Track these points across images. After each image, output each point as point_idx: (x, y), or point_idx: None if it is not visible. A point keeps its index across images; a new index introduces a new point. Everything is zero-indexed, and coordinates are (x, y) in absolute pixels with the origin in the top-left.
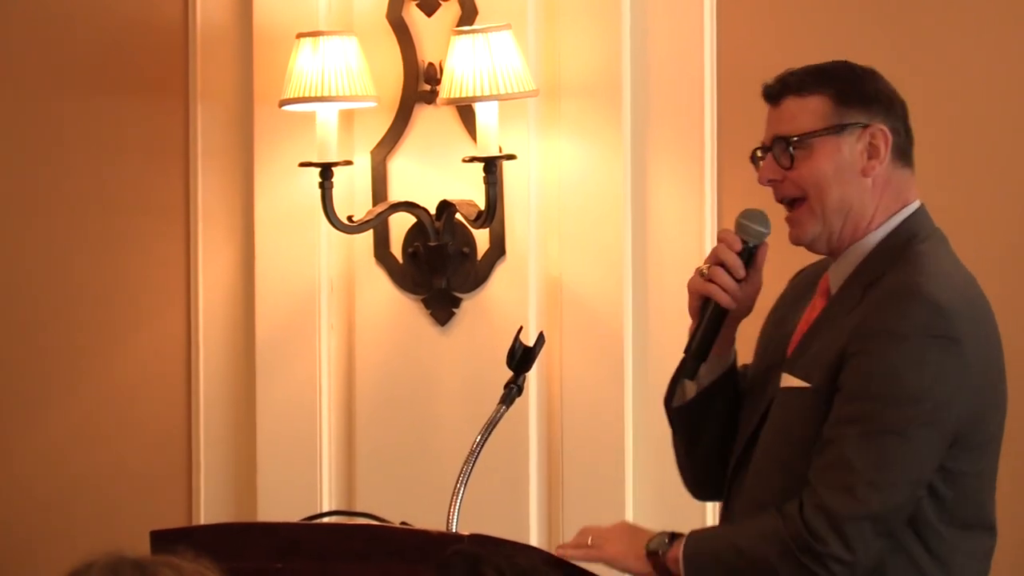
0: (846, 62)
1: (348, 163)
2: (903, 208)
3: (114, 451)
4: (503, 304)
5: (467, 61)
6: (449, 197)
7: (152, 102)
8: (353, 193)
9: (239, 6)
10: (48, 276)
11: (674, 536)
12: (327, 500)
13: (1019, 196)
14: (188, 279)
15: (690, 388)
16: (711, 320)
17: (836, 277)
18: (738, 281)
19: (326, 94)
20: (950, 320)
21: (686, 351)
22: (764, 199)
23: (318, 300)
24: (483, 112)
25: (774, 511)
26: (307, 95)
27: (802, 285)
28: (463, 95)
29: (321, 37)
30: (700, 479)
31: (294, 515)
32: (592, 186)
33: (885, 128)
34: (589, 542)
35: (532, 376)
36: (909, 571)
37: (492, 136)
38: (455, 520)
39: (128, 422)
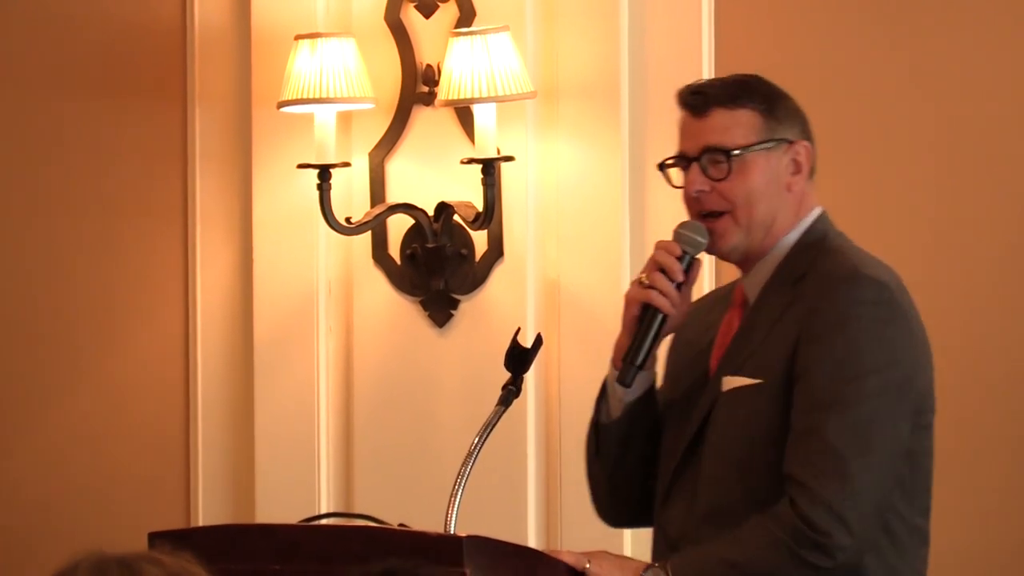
0: (757, 76)
1: (346, 165)
2: (809, 213)
3: (112, 453)
4: (501, 305)
5: (465, 63)
6: (447, 199)
7: (150, 104)
8: (351, 195)
9: (237, 8)
10: (47, 278)
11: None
12: (325, 502)
13: (1018, 196)
14: (186, 281)
15: (615, 406)
16: (651, 328)
17: (752, 286)
18: (677, 287)
19: (324, 96)
20: (894, 296)
21: (625, 360)
22: None
23: (316, 302)
24: (481, 114)
25: (759, 517)
26: (305, 97)
27: (704, 308)
28: (461, 97)
29: (319, 39)
30: (619, 503)
31: (292, 517)
32: (590, 188)
33: (808, 144)
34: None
35: (530, 377)
36: (876, 557)
37: (490, 138)
38: (453, 521)
39: (126, 424)
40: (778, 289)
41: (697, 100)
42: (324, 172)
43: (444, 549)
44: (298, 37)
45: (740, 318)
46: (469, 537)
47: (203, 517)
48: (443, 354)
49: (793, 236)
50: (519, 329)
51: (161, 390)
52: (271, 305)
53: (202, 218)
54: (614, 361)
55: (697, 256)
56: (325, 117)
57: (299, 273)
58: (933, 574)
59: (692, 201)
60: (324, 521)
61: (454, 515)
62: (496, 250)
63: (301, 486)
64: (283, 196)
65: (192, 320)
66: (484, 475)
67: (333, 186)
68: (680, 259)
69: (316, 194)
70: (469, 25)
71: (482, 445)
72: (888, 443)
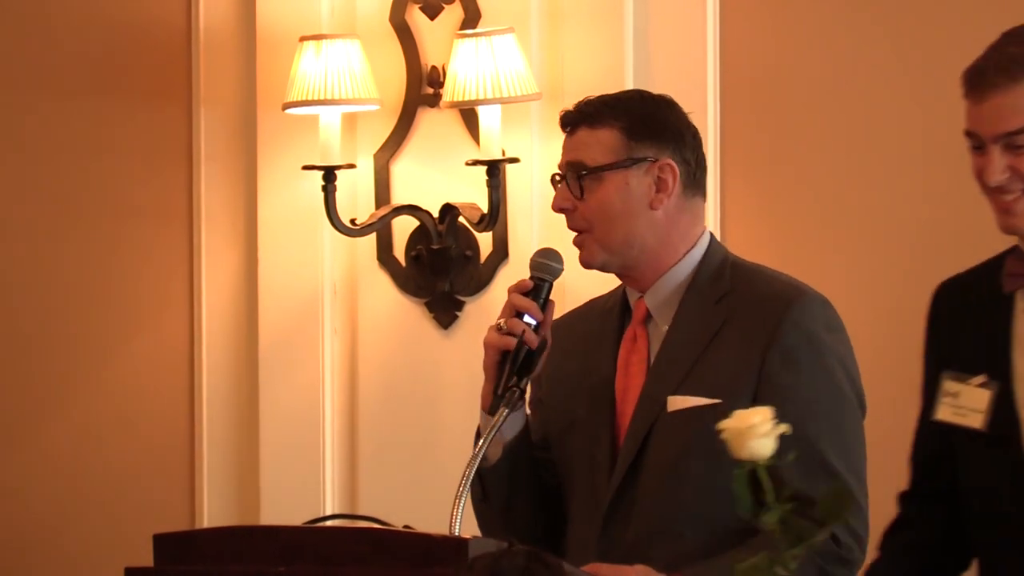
0: (640, 92)
1: (351, 166)
2: (701, 234)
3: (117, 455)
4: None
5: (470, 64)
6: (452, 200)
7: (155, 106)
8: (356, 196)
9: (242, 9)
10: (51, 280)
11: None
12: (330, 503)
13: None
14: (191, 283)
15: (494, 451)
16: (515, 367)
17: (656, 302)
18: (536, 325)
19: (329, 97)
20: (835, 311)
21: (495, 393)
22: (764, 202)
23: (321, 303)
24: (486, 115)
25: None
26: (310, 98)
27: (579, 319)
28: (466, 98)
29: (324, 40)
30: (526, 534)
31: (297, 518)
32: None
33: (673, 162)
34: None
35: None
36: None
37: (495, 139)
38: (458, 524)
39: (131, 426)
40: (699, 307)
41: (568, 118)
42: (329, 173)
43: (449, 551)
44: (303, 38)
45: (645, 334)
46: (474, 539)
47: (208, 519)
48: (448, 356)
49: (696, 253)
50: (524, 331)
51: (166, 391)
52: (276, 307)
53: (207, 220)
54: (483, 405)
55: (553, 282)
56: (330, 118)
57: (304, 275)
58: None
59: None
60: (328, 523)
61: (459, 517)
62: (501, 252)
63: (305, 488)
64: (288, 197)
65: (197, 322)
66: None
67: (338, 188)
68: (536, 291)
69: (321, 195)
70: (474, 26)
71: (486, 446)
72: (864, 456)
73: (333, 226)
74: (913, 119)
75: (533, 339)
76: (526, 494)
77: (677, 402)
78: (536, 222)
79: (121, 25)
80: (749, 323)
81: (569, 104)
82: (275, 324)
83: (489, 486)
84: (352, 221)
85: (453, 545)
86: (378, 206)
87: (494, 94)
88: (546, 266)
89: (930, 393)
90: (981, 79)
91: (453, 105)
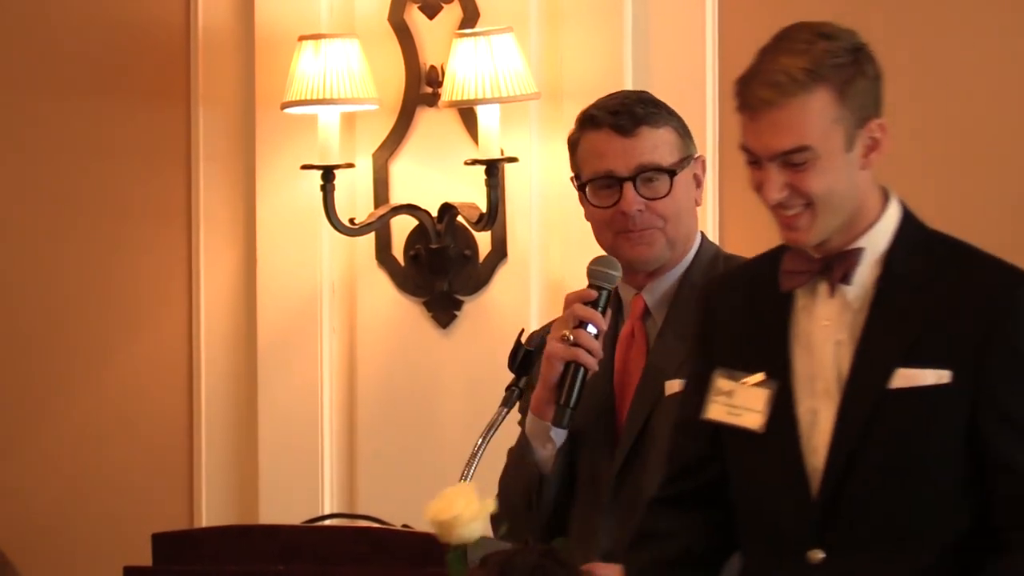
0: (651, 94)
1: (350, 166)
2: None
3: (116, 454)
4: (504, 307)
5: (469, 64)
6: (451, 200)
7: (154, 105)
8: (355, 196)
9: (241, 9)
10: (50, 280)
11: None
12: (328, 503)
13: (1016, 194)
14: (190, 282)
15: (548, 458)
16: (577, 379)
17: (654, 298)
18: (598, 335)
19: (328, 97)
20: None
21: (558, 403)
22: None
23: (320, 303)
24: (485, 115)
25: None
26: (309, 98)
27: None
28: (465, 98)
29: (323, 40)
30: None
31: (296, 518)
32: None
33: (703, 157)
34: None
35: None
36: None
37: (494, 139)
38: None
39: (130, 425)
40: (691, 300)
41: (622, 120)
42: (328, 173)
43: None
44: (302, 38)
45: (643, 330)
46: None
47: (207, 518)
48: (446, 355)
49: (694, 249)
50: (523, 330)
51: (165, 391)
52: (275, 306)
53: (206, 219)
54: (538, 413)
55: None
56: (329, 118)
57: (303, 274)
58: None
59: (621, 220)
60: (327, 522)
61: None
62: (500, 251)
63: (304, 487)
64: (287, 197)
65: (196, 321)
66: (487, 476)
67: (337, 187)
68: (595, 303)
69: (320, 195)
70: (473, 26)
71: (485, 446)
72: None
73: (332, 225)
74: (912, 118)
75: (592, 362)
76: (557, 493)
77: (675, 385)
78: (535, 222)
79: (120, 25)
80: None
81: (569, 104)
82: (274, 323)
83: (545, 493)
84: (351, 220)
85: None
86: (377, 205)
87: (493, 94)
88: (605, 274)
89: (696, 391)
90: (755, 96)
91: (452, 104)
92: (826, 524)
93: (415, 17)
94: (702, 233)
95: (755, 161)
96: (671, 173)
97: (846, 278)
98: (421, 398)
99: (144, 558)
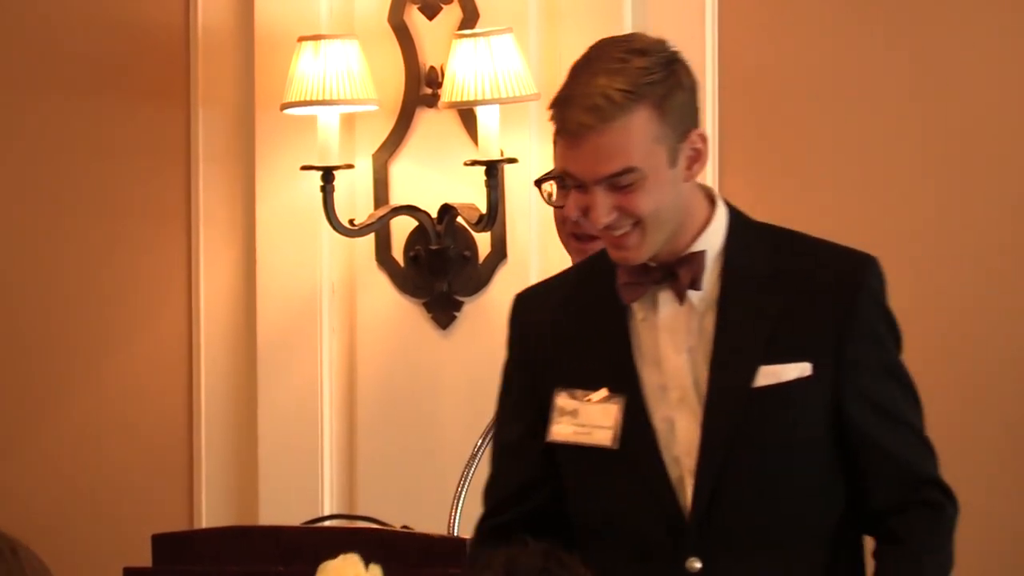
0: None
1: (349, 167)
2: None
3: (115, 455)
4: (504, 307)
5: (468, 64)
6: (450, 200)
7: (153, 106)
8: (354, 197)
9: (240, 9)
10: (50, 280)
11: None
12: (328, 504)
13: (1015, 195)
14: (189, 283)
15: None
16: None
17: None
18: None
19: (327, 98)
20: None
21: None
22: (767, 202)
23: (319, 304)
24: (484, 115)
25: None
26: (308, 99)
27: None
28: (464, 99)
29: (322, 40)
30: None
31: (295, 519)
32: None
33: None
34: None
35: None
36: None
37: (493, 139)
38: (456, 524)
39: (129, 426)
40: None
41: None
42: (327, 174)
43: (447, 551)
44: (301, 39)
45: None
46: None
47: (206, 519)
48: (446, 356)
49: None
50: None
51: (164, 392)
52: (274, 307)
53: (205, 220)
54: None
55: None
56: (328, 119)
57: (302, 275)
58: None
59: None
60: (327, 523)
61: (457, 517)
62: (499, 252)
63: (304, 488)
64: (286, 198)
65: (195, 322)
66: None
67: (336, 188)
68: None
69: (319, 196)
70: (472, 27)
71: (485, 447)
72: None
73: (331, 226)
74: (912, 117)
75: None
76: None
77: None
78: (535, 222)
79: (120, 25)
80: None
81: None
82: (273, 324)
83: None
84: (350, 221)
85: (452, 545)
86: (376, 206)
87: (492, 94)
88: None
89: (517, 414)
90: (574, 121)
91: (451, 105)
92: (702, 532)
93: (415, 18)
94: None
95: (579, 185)
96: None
97: (695, 283)
98: (421, 399)
99: (144, 559)
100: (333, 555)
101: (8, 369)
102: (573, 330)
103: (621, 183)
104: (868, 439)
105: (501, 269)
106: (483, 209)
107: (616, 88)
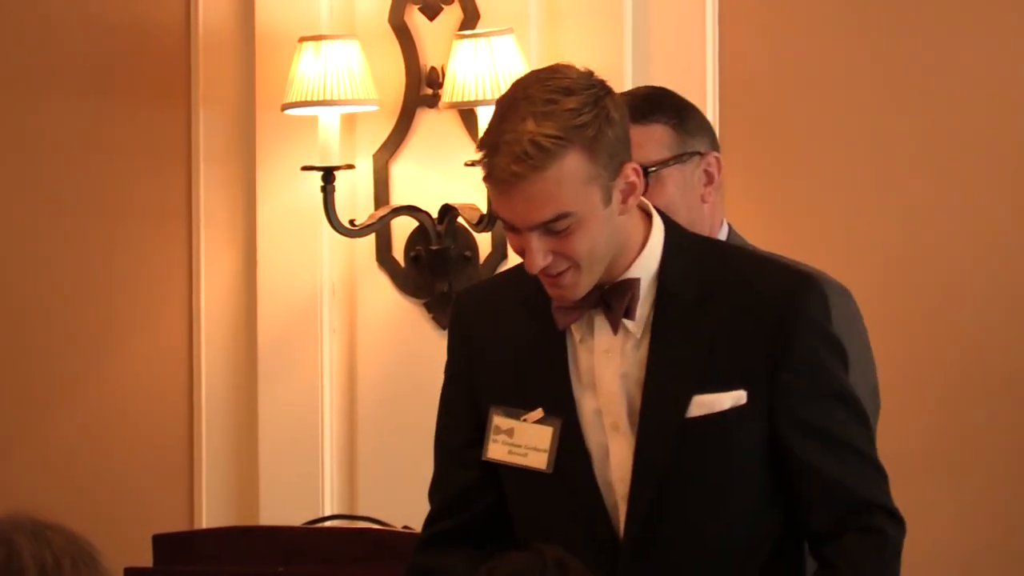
0: (669, 90)
1: (350, 167)
2: (723, 226)
3: (116, 455)
4: None
5: (469, 65)
6: (451, 201)
7: (154, 106)
8: (355, 197)
9: (241, 10)
10: (50, 280)
11: None
12: (329, 504)
13: (1015, 195)
14: (190, 283)
15: None
16: None
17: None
18: None
19: (328, 98)
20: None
21: None
22: (767, 203)
23: (320, 304)
24: (485, 116)
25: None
26: (309, 99)
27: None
28: (465, 99)
29: (323, 41)
30: None
31: (296, 519)
32: None
33: (718, 155)
34: None
35: None
36: None
37: None
38: None
39: (130, 426)
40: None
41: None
42: (328, 174)
43: None
44: (302, 39)
45: None
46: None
47: (207, 519)
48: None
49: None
50: None
51: (165, 392)
52: (275, 307)
53: (206, 220)
54: None
55: None
56: (329, 119)
57: (303, 275)
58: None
59: None
60: (328, 523)
61: None
62: (500, 252)
63: (305, 488)
64: (287, 198)
65: (196, 322)
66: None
67: (337, 188)
68: None
69: (320, 196)
70: (473, 27)
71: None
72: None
73: (332, 227)
74: (912, 117)
75: None
76: None
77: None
78: None
79: (120, 26)
80: None
81: None
82: (274, 324)
83: None
84: (351, 222)
85: None
86: (377, 207)
87: (493, 95)
88: None
89: (458, 423)
90: (503, 170)
91: (452, 106)
92: (636, 556)
93: (415, 18)
94: (732, 230)
95: (512, 228)
96: (646, 171)
97: (629, 312)
98: (421, 399)
99: (144, 559)
100: (333, 555)
101: (8, 369)
102: (511, 347)
103: (555, 228)
104: (806, 465)
105: (501, 269)
106: (484, 209)
107: (545, 134)
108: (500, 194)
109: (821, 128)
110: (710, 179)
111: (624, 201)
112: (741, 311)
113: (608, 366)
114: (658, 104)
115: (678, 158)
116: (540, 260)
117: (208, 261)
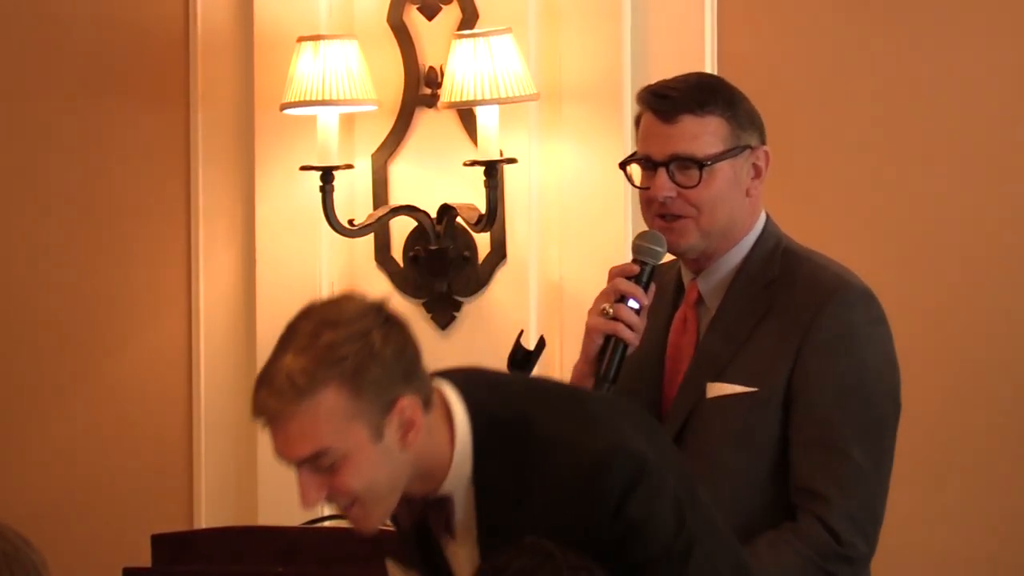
0: (722, 79)
1: (349, 167)
2: (760, 216)
3: (115, 455)
4: (504, 308)
5: (468, 65)
6: (450, 201)
7: (153, 106)
8: (354, 197)
9: (240, 10)
10: (50, 280)
11: None
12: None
13: (1015, 194)
14: (189, 283)
15: None
16: (616, 354)
17: (708, 286)
18: (640, 310)
19: (327, 98)
20: (881, 306)
21: (598, 376)
22: (767, 203)
23: None
24: (484, 116)
25: (778, 535)
26: (308, 99)
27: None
28: (464, 99)
29: (322, 41)
30: None
31: (295, 519)
32: (593, 190)
33: (767, 149)
34: None
35: None
36: None
37: (493, 140)
38: None
39: (129, 426)
40: (747, 292)
41: (665, 105)
42: (327, 174)
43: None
44: (301, 39)
45: (696, 317)
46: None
47: (205, 519)
48: (446, 356)
49: (751, 238)
50: (522, 331)
51: (164, 392)
52: (274, 307)
53: (205, 220)
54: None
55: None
56: (328, 119)
57: (302, 275)
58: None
59: (655, 204)
60: (327, 523)
61: None
62: (499, 252)
63: None
64: (286, 198)
65: (195, 322)
66: None
67: (336, 188)
68: (639, 278)
69: (319, 196)
70: (472, 27)
71: None
72: (891, 452)
73: (331, 226)
74: (911, 116)
75: (631, 336)
76: None
77: (715, 388)
78: (534, 223)
79: (120, 26)
80: (791, 311)
81: (568, 105)
82: (273, 324)
83: None
84: (350, 222)
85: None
86: (376, 207)
87: (492, 94)
88: (650, 250)
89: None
90: (262, 405)
91: (451, 106)
92: None
93: (414, 18)
94: (768, 221)
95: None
96: (701, 164)
97: (448, 527)
98: None
99: (144, 559)
100: (332, 555)
101: (8, 369)
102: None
103: (320, 465)
104: None
105: (500, 269)
106: (482, 209)
107: (299, 368)
108: (266, 428)
109: (821, 127)
110: (757, 173)
111: (403, 437)
112: (552, 507)
113: (464, 562)
114: (712, 94)
115: (731, 151)
116: (312, 496)
117: (207, 261)
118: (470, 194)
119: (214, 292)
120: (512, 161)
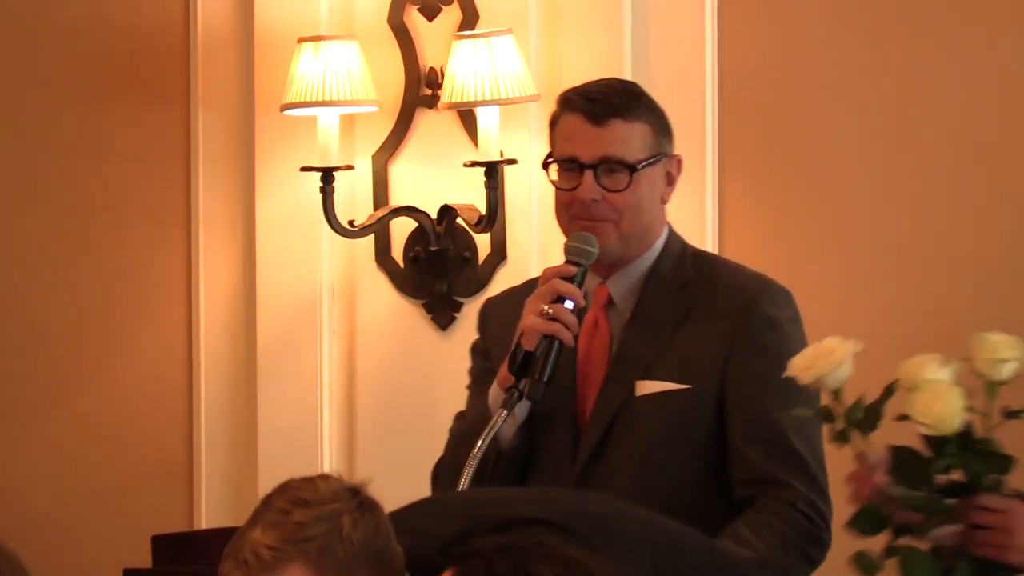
0: (639, 86)
1: (349, 168)
2: (665, 221)
3: (115, 455)
4: None
5: (468, 65)
6: (450, 201)
7: (154, 107)
8: (354, 197)
9: (240, 10)
10: (51, 281)
11: None
12: None
13: (1013, 195)
14: (189, 284)
15: (508, 432)
16: (550, 353)
17: (620, 289)
18: (579, 311)
19: (327, 99)
20: (795, 302)
21: (533, 376)
22: (762, 201)
23: (319, 305)
24: (484, 116)
25: (759, 517)
26: (308, 100)
27: (514, 305)
28: (464, 99)
29: (322, 41)
30: None
31: None
32: None
33: (680, 157)
34: None
35: None
36: None
37: (493, 140)
38: None
39: (129, 426)
40: (662, 294)
41: (596, 107)
42: (327, 175)
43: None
44: (301, 40)
45: (607, 320)
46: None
47: (206, 519)
48: (446, 357)
49: (660, 243)
50: (523, 332)
51: (164, 393)
52: (274, 308)
53: (205, 221)
54: (505, 386)
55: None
56: (328, 120)
57: (302, 276)
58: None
59: (576, 206)
60: None
61: None
62: (499, 253)
63: None
64: (286, 199)
65: (195, 323)
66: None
67: (336, 189)
68: (574, 278)
69: (319, 197)
70: (472, 28)
71: (484, 447)
72: (821, 444)
73: (331, 227)
74: (911, 119)
75: (569, 336)
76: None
77: (646, 386)
78: (534, 223)
79: (120, 27)
80: (717, 311)
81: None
82: (273, 325)
83: (499, 471)
84: (350, 222)
85: None
86: (376, 207)
87: (492, 95)
88: (583, 251)
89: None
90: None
91: (451, 106)
92: None
93: (414, 19)
94: (670, 226)
95: None
96: (631, 168)
97: None
98: (420, 400)
99: (144, 559)
100: None
101: (9, 369)
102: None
103: None
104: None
105: (501, 270)
106: (483, 210)
107: (265, 544)
108: None
109: (820, 128)
110: (670, 180)
111: None
112: None
113: None
114: (637, 100)
115: (654, 158)
116: None
117: (207, 262)
118: (470, 195)
119: (214, 292)
120: (513, 162)
